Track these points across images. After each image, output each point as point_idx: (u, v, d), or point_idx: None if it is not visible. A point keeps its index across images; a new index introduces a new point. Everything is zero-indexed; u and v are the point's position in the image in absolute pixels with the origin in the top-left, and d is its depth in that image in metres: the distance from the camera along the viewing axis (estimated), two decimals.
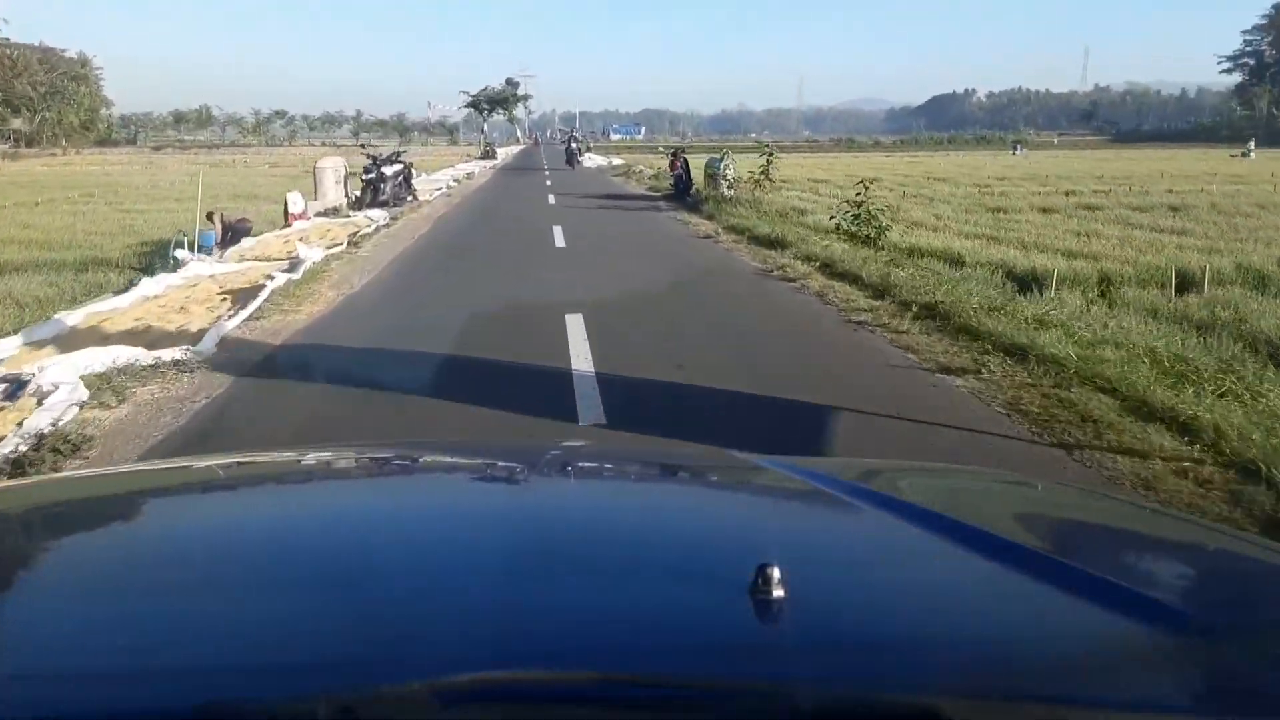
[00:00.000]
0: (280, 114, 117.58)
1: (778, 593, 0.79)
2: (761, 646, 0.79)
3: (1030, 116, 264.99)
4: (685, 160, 21.14)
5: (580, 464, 1.64)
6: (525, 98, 62.01)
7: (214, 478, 1.48)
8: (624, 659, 0.74)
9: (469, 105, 61.27)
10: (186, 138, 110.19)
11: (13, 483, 2.60)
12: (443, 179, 30.93)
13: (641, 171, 32.58)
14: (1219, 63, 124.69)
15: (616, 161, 43.65)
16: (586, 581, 0.94)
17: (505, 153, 67.22)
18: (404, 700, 0.66)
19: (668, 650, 0.76)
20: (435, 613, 0.84)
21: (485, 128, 61.62)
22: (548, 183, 29.39)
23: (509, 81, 65.12)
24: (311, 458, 1.65)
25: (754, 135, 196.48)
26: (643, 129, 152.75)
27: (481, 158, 53.56)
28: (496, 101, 61.05)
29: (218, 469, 1.54)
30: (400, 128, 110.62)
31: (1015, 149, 77.82)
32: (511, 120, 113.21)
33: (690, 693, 0.70)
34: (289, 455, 1.83)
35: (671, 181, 21.40)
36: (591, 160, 49.50)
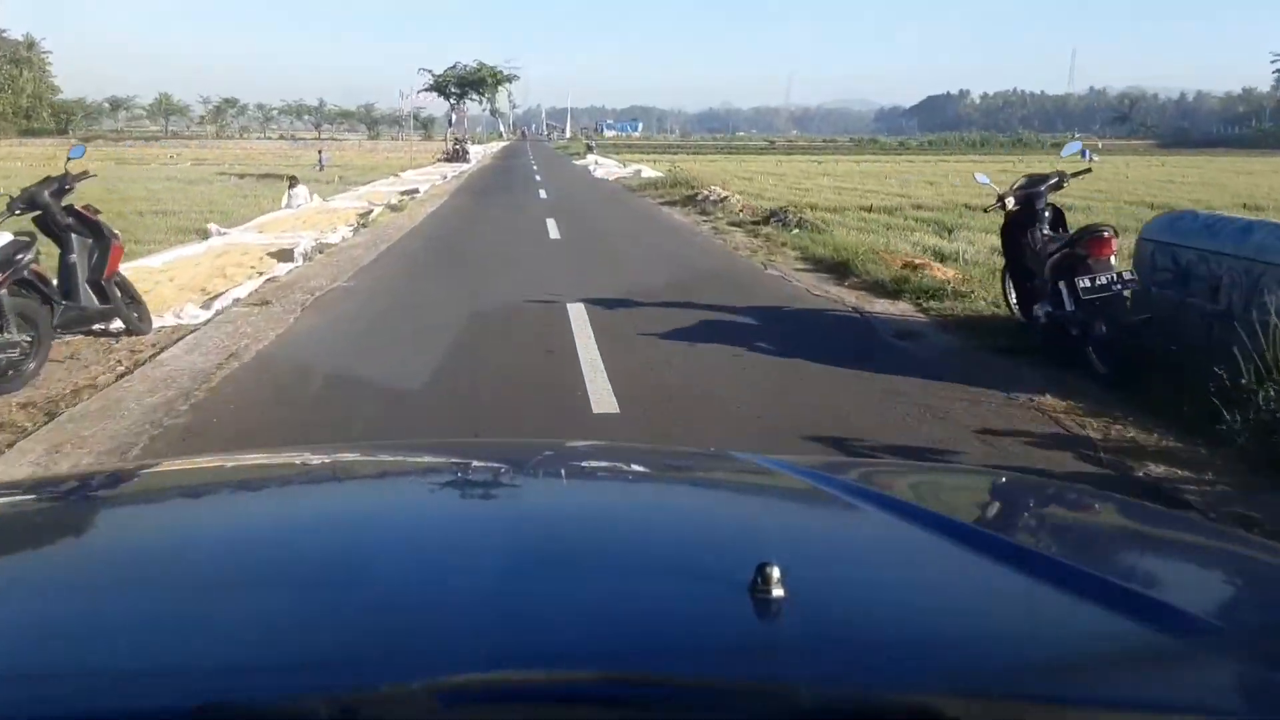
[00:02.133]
0: (231, 102, 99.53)
1: (778, 592, 0.77)
2: (761, 646, 0.77)
3: (1026, 119, 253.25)
4: (1103, 235, 5.41)
5: (580, 463, 1.58)
6: (509, 79, 45.35)
7: (214, 477, 1.46)
8: (624, 659, 0.73)
9: (431, 88, 44.35)
10: (126, 128, 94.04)
11: (12, 483, 2.28)
12: (344, 212, 15.74)
13: (728, 202, 16.62)
14: (1273, 61, 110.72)
15: (648, 172, 27.26)
16: (586, 581, 0.92)
17: (483, 152, 51.28)
18: (404, 700, 0.64)
19: (668, 650, 0.75)
20: (435, 612, 0.82)
21: (454, 118, 45.06)
22: (552, 229, 13.79)
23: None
24: (311, 457, 1.64)
25: (742, 133, 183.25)
26: (640, 125, 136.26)
27: (448, 159, 37.96)
28: (470, 83, 43.91)
29: (217, 469, 1.52)
30: (368, 119, 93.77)
31: (1084, 154, 63.97)
32: (494, 112, 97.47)
33: (690, 692, 0.68)
34: (289, 455, 1.78)
35: (1063, 316, 5.47)
36: (601, 167, 34.12)
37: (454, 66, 43.33)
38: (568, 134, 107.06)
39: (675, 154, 60.72)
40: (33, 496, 1.35)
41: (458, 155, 38.30)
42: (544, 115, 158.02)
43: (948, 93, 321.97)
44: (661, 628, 0.79)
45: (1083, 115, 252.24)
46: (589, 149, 52.71)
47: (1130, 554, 1.19)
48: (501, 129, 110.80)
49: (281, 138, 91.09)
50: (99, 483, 1.49)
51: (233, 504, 1.30)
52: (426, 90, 42.48)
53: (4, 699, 0.64)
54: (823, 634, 0.78)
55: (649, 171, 27.25)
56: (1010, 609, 0.88)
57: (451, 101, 43.94)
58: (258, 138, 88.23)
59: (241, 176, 26.72)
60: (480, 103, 43.35)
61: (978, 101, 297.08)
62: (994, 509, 1.37)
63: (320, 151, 41.71)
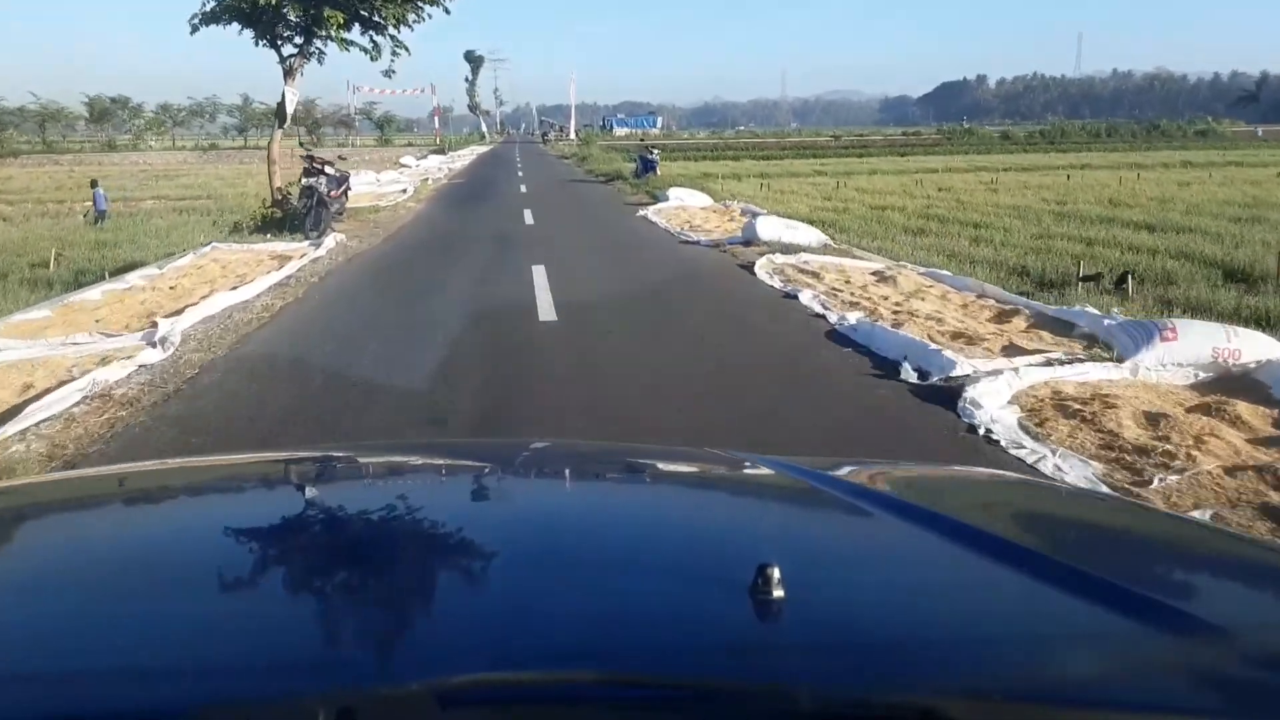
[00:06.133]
0: (120, 101, 72.08)
1: (778, 593, 0.76)
2: (761, 646, 0.76)
3: (1050, 104, 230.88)
4: None
5: (580, 464, 1.56)
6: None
7: (213, 478, 1.44)
8: (624, 659, 0.71)
9: (208, 16, 11.81)
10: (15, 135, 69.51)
11: (13, 483, 2.29)
12: None
13: None
14: None
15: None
16: (586, 582, 0.90)
17: (431, 174, 27.30)
18: (404, 700, 0.63)
19: (668, 650, 0.73)
20: (435, 613, 0.82)
21: (290, 96, 13.35)
22: None
23: (469, 56, 21.10)
24: (311, 458, 1.61)
25: (741, 127, 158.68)
26: (658, 119, 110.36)
27: (264, 224, 12.50)
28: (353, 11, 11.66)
29: (217, 469, 1.50)
30: (307, 121, 69.81)
31: None
32: (474, 108, 72.34)
33: (690, 693, 0.67)
34: (288, 456, 1.76)
35: None
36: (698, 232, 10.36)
37: None
38: (572, 135, 79.70)
39: (737, 159, 37.71)
40: (33, 496, 1.34)
41: (312, 204, 12.41)
42: (535, 113, 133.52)
43: (964, 79, 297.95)
44: (662, 628, 0.78)
45: (1110, 99, 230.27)
46: (647, 167, 22.46)
47: (1130, 554, 1.16)
48: (483, 127, 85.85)
49: (198, 147, 66.17)
50: (98, 483, 1.47)
51: (231, 505, 1.27)
52: (197, 22, 14.07)
53: (4, 699, 0.63)
54: (823, 635, 0.77)
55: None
56: (1010, 609, 0.86)
57: (290, 54, 13.41)
58: (163, 148, 64.02)
59: None
60: (371, 53, 13.43)
61: (994, 87, 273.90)
62: (994, 509, 1.33)
63: (94, 185, 17.76)
